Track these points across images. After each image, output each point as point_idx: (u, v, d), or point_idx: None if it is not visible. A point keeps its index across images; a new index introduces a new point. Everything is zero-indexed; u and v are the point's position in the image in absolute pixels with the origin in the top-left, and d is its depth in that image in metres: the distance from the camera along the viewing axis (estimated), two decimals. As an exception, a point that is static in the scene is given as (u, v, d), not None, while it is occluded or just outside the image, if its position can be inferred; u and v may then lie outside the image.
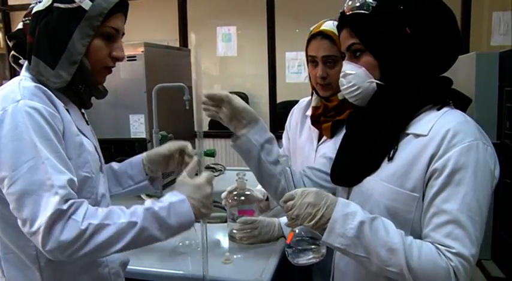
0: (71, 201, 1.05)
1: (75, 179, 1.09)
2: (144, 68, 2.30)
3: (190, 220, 1.16)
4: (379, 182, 1.13)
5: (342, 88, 1.23)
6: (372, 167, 1.15)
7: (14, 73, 5.45)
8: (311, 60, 1.70)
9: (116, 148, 2.50)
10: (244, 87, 7.26)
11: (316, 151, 1.75)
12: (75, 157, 1.15)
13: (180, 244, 1.64)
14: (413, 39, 1.10)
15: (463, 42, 1.18)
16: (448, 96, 1.13)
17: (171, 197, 1.16)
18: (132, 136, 2.37)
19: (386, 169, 1.12)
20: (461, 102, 1.14)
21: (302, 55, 4.98)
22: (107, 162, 2.40)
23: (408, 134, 1.11)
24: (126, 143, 2.44)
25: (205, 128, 5.80)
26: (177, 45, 5.42)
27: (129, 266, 1.51)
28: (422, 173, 1.05)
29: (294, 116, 1.97)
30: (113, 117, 2.38)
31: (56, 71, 1.15)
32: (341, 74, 1.21)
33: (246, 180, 1.70)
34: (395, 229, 1.05)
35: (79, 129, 1.20)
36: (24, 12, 1.23)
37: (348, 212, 1.06)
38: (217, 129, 5.58)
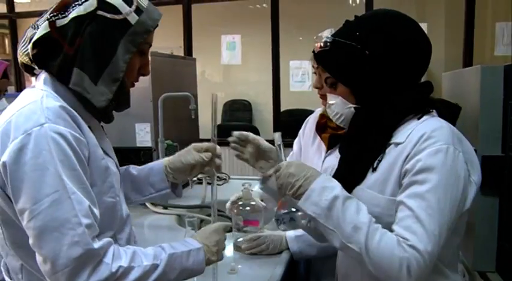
0: (101, 242, 1.00)
1: (98, 213, 1.03)
2: (150, 78, 2.31)
3: (202, 268, 1.18)
4: (365, 190, 1.20)
5: (330, 117, 1.32)
6: (359, 179, 1.22)
7: (19, 79, 5.48)
8: (314, 71, 1.76)
9: (121, 157, 2.50)
10: (248, 95, 7.28)
11: (323, 161, 1.76)
12: (99, 183, 1.08)
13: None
14: (373, 59, 1.17)
15: (428, 48, 1.23)
16: (427, 105, 1.19)
17: (191, 243, 1.19)
18: (137, 145, 2.37)
19: (371, 178, 1.19)
20: (447, 110, 1.21)
21: (306, 64, 5.01)
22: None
23: (390, 144, 1.18)
24: (132, 152, 2.44)
25: (209, 136, 5.80)
26: (181, 52, 5.44)
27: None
28: (398, 176, 1.13)
29: (309, 125, 1.99)
30: (118, 126, 2.38)
31: (98, 88, 1.07)
32: (327, 105, 1.32)
33: (252, 190, 1.71)
34: (366, 212, 1.12)
35: (103, 151, 1.14)
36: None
37: (327, 186, 1.15)
38: (220, 137, 5.60)
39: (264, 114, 6.45)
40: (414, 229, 1.05)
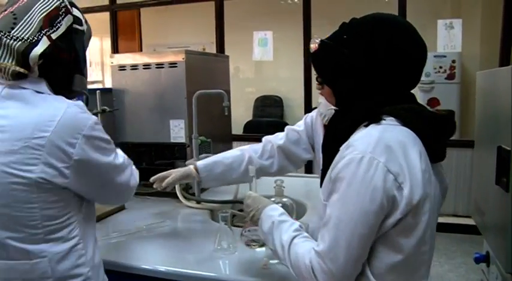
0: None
1: None
2: (184, 75, 2.36)
3: None
4: (320, 195, 1.26)
5: None
6: (322, 181, 1.27)
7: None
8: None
9: (155, 152, 2.57)
10: (279, 90, 7.30)
11: None
12: None
13: (219, 247, 1.69)
14: (353, 64, 1.19)
15: (418, 59, 1.20)
16: (379, 114, 1.15)
17: None
18: (172, 140, 2.42)
19: (324, 183, 1.23)
20: (413, 118, 1.15)
21: (338, 60, 4.98)
22: (147, 165, 2.48)
23: None
24: (166, 148, 2.50)
25: (240, 131, 5.86)
26: (213, 48, 5.51)
27: (165, 267, 1.60)
28: (328, 182, 1.16)
29: (317, 128, 1.88)
30: (153, 122, 2.45)
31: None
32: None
33: (284, 187, 1.73)
34: (292, 231, 1.25)
35: None
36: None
37: (270, 214, 1.34)
38: (251, 133, 5.64)
39: (295, 110, 6.48)
40: (324, 235, 1.11)
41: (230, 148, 3.15)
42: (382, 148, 1.06)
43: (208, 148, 2.51)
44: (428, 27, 4.75)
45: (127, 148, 2.52)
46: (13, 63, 1.17)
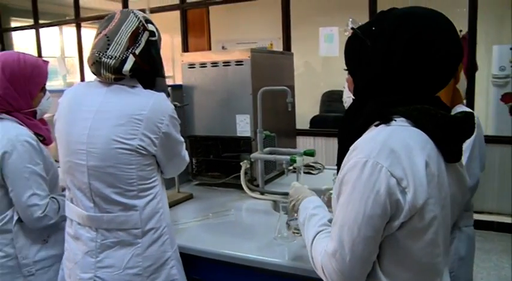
0: None
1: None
2: (250, 72, 2.45)
3: None
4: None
5: None
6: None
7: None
8: None
9: (222, 145, 2.70)
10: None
11: None
12: None
13: (279, 235, 1.78)
14: (375, 59, 1.15)
15: (448, 61, 1.12)
16: (389, 114, 1.12)
17: None
18: (238, 134, 2.54)
19: (336, 180, 1.19)
20: (425, 120, 1.10)
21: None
22: (215, 157, 2.62)
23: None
24: (232, 141, 2.62)
25: (306, 126, 5.90)
26: (281, 43, 5.58)
27: (228, 251, 1.73)
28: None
29: None
30: (221, 117, 2.57)
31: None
32: None
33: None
34: (318, 226, 1.27)
35: None
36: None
37: (306, 206, 1.41)
38: (317, 128, 5.67)
39: (361, 105, 6.41)
40: (332, 236, 1.12)
41: (294, 142, 3.24)
42: (387, 152, 1.04)
43: (272, 141, 2.60)
44: (504, 18, 4.56)
45: (195, 141, 2.68)
46: (112, 74, 1.54)
